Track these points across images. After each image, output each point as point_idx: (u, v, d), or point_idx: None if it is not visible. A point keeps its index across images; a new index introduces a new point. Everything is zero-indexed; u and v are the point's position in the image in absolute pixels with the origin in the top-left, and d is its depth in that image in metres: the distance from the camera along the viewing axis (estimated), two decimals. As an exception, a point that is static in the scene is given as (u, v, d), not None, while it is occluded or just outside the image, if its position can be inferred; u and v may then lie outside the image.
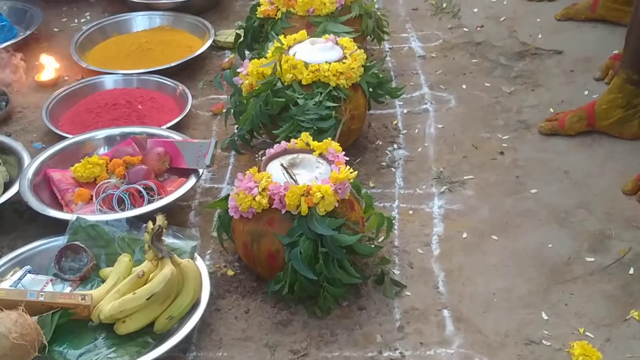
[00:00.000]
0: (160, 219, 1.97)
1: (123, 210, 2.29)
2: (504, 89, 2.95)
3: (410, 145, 2.70)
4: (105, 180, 2.40)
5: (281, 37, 2.64)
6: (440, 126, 2.79)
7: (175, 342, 1.90)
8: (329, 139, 2.23)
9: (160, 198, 2.33)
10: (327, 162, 2.14)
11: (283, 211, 2.02)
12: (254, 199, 2.02)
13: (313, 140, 2.22)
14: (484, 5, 3.49)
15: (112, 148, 2.57)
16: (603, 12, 3.20)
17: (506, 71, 3.06)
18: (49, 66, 3.16)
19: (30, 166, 2.44)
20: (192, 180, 2.40)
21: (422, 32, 3.39)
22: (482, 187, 2.49)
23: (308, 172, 2.10)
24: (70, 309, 1.89)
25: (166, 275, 1.93)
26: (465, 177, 2.53)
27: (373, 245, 2.14)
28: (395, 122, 2.83)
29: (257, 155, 2.15)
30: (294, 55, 2.52)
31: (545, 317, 2.02)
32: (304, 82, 2.49)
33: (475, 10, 3.46)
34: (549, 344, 1.95)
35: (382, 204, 2.43)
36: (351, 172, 2.08)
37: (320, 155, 2.17)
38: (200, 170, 2.43)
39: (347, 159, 2.16)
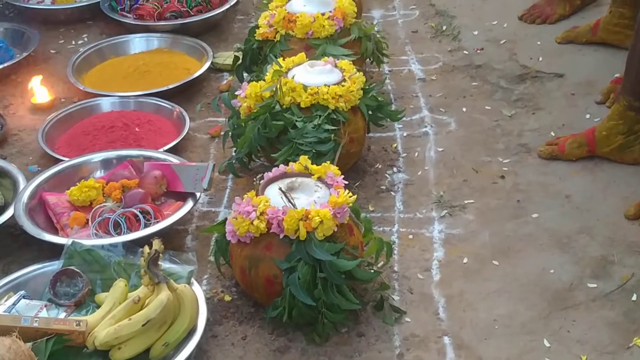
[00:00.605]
0: (156, 244, 1.97)
1: (119, 234, 2.30)
2: (504, 112, 2.97)
3: (410, 169, 2.71)
4: (102, 204, 2.40)
5: (280, 59, 2.66)
6: (440, 149, 2.80)
7: (171, 369, 1.90)
8: (328, 162, 2.24)
9: (157, 222, 2.33)
10: (326, 186, 2.15)
11: (281, 236, 2.02)
12: (252, 223, 2.03)
13: (312, 163, 2.22)
14: (484, 28, 3.51)
15: (109, 171, 2.57)
16: (604, 35, 3.22)
17: (507, 94, 3.07)
18: (45, 88, 3.17)
19: (26, 189, 2.45)
20: (190, 204, 2.40)
21: (422, 54, 3.41)
22: (483, 212, 2.49)
23: (307, 196, 2.11)
24: (65, 335, 1.89)
25: (162, 301, 1.93)
26: (465, 201, 2.53)
27: (372, 271, 2.14)
28: (395, 145, 2.84)
29: (255, 179, 2.16)
30: (293, 77, 2.53)
31: (547, 345, 2.02)
32: (302, 105, 2.50)
33: (476, 33, 3.48)
34: (551, 371, 1.95)
35: (381, 229, 2.44)
36: (350, 196, 2.08)
37: (319, 179, 2.17)
38: (198, 194, 2.44)
39: (346, 182, 2.16)
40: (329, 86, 2.51)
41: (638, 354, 1.98)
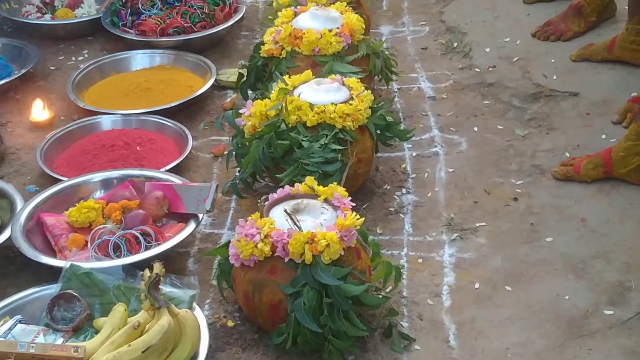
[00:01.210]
0: (157, 267, 1.97)
1: (119, 257, 2.30)
2: (517, 132, 2.97)
3: (419, 190, 2.71)
4: (101, 226, 2.40)
5: (285, 77, 2.67)
6: (450, 170, 2.80)
7: (172, 397, 1.89)
8: (335, 183, 2.24)
9: (158, 244, 2.33)
10: (333, 208, 2.15)
11: (286, 259, 2.02)
12: (256, 246, 2.03)
13: (318, 184, 2.23)
14: (496, 45, 3.52)
15: (109, 192, 2.58)
16: (620, 53, 3.22)
17: (520, 113, 3.07)
18: (44, 106, 3.18)
19: (23, 210, 2.46)
20: (192, 226, 2.41)
21: (432, 72, 3.42)
22: (495, 235, 2.49)
23: (312, 219, 2.11)
24: (62, 361, 1.88)
25: (163, 327, 1.93)
26: (477, 224, 2.53)
27: (380, 296, 2.14)
28: (404, 165, 2.84)
29: (259, 201, 2.16)
30: (299, 96, 2.54)
31: (562, 374, 2.01)
32: (309, 124, 2.50)
33: (487, 50, 3.49)
34: (566, 402, 1.94)
35: (389, 252, 2.44)
36: (358, 219, 2.08)
37: (326, 200, 2.17)
38: (200, 216, 2.44)
39: (354, 204, 2.17)
40: (336, 105, 2.51)
41: (657, 384, 1.97)
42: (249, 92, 3.06)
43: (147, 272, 1.96)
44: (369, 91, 2.63)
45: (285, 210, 2.10)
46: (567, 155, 2.80)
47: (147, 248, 2.32)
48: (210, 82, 3.26)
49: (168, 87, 3.29)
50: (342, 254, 2.03)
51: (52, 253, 2.37)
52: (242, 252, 2.04)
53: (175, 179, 2.58)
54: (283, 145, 2.47)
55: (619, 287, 2.26)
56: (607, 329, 2.13)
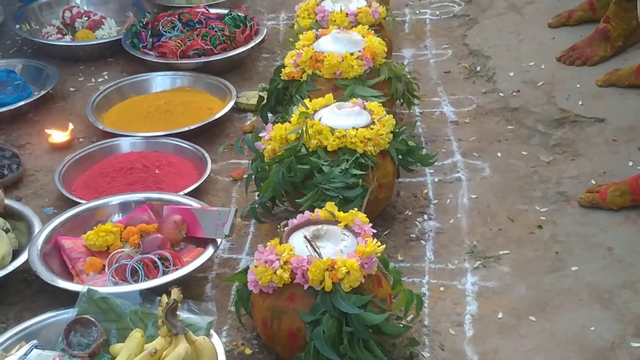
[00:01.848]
0: (175, 293, 1.97)
1: (136, 281, 2.31)
2: (542, 158, 2.96)
3: (441, 217, 2.71)
4: (119, 250, 2.41)
5: (306, 100, 2.68)
6: (473, 196, 2.79)
7: None
8: (356, 209, 2.24)
9: (176, 269, 2.34)
10: (353, 235, 2.15)
11: (305, 287, 2.02)
12: (275, 272, 2.03)
13: (338, 210, 2.23)
14: (521, 69, 3.51)
15: (127, 215, 2.59)
16: (648, 78, 3.22)
17: (544, 139, 3.06)
18: (63, 127, 3.21)
19: (41, 233, 2.47)
20: (210, 251, 2.41)
21: (454, 96, 3.42)
22: (519, 264, 2.47)
23: (333, 245, 2.11)
24: (78, 387, 1.89)
25: (180, 354, 1.93)
26: (500, 252, 2.52)
27: (401, 325, 2.13)
28: (426, 191, 2.83)
29: (279, 226, 2.16)
30: (320, 120, 2.55)
31: (588, 408, 1.99)
32: (329, 149, 2.51)
33: (511, 74, 3.49)
34: None
35: (410, 280, 2.43)
36: (379, 246, 2.08)
37: (346, 226, 2.17)
38: (219, 240, 2.45)
39: (375, 231, 2.16)
40: (357, 129, 2.52)
41: (686, 419, 1.95)
42: (269, 115, 3.07)
43: (164, 298, 1.96)
44: (391, 115, 2.64)
45: (305, 237, 2.10)
46: (593, 182, 2.79)
47: (164, 273, 2.33)
48: (230, 104, 3.28)
49: (188, 110, 3.31)
50: (363, 281, 2.02)
51: (69, 277, 2.38)
52: (261, 279, 2.04)
53: (194, 203, 2.59)
54: (303, 169, 2.48)
55: (647, 318, 2.24)
56: (634, 361, 2.11)
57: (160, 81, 3.52)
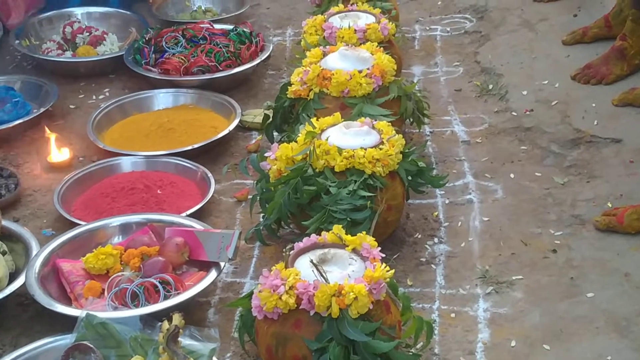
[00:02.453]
0: (176, 318, 1.97)
1: (137, 306, 2.30)
2: (556, 179, 2.95)
3: (452, 240, 2.70)
4: (119, 273, 2.41)
5: (313, 119, 2.68)
6: (485, 219, 2.78)
7: None
8: (364, 232, 2.24)
9: (178, 293, 2.33)
10: (361, 259, 2.14)
11: (312, 312, 2.01)
12: (280, 298, 2.02)
13: (346, 233, 2.22)
14: (534, 87, 3.51)
15: (128, 237, 2.59)
16: (666, 98, 3.21)
17: (559, 160, 3.06)
18: (63, 146, 3.22)
19: (39, 256, 2.47)
20: (213, 274, 2.41)
21: (466, 115, 3.42)
22: (533, 289, 2.46)
23: (340, 270, 2.10)
24: (75, 417, 1.88)
25: (181, 382, 1.92)
26: (513, 277, 2.51)
27: (411, 353, 2.12)
28: (436, 213, 2.83)
29: (284, 250, 2.16)
30: (327, 139, 2.55)
31: None
32: (337, 169, 2.51)
33: (525, 92, 3.49)
34: None
35: (420, 305, 2.42)
36: (387, 271, 2.07)
37: (354, 250, 2.17)
38: (222, 264, 2.44)
39: (383, 255, 2.16)
40: (365, 149, 2.52)
41: None
42: (275, 134, 3.08)
43: (165, 324, 1.95)
44: (400, 135, 2.64)
45: (311, 261, 2.09)
46: (609, 205, 2.78)
47: (166, 297, 2.32)
48: (235, 123, 3.29)
49: (191, 128, 3.32)
50: (371, 307, 2.01)
51: (68, 301, 2.38)
52: (266, 304, 2.03)
53: (197, 225, 2.59)
54: (310, 191, 2.47)
55: (666, 347, 2.23)
56: (653, 392, 2.09)
57: (163, 98, 3.53)
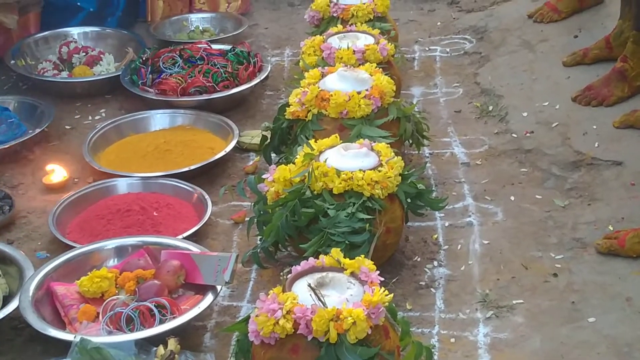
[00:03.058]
0: (172, 343, 1.97)
1: (132, 330, 2.29)
2: (557, 202, 2.96)
3: (452, 263, 2.70)
4: (114, 297, 2.41)
5: (311, 141, 2.69)
6: (485, 242, 2.79)
7: None
8: (362, 255, 2.23)
9: (173, 317, 2.32)
10: (360, 283, 2.14)
11: (309, 337, 2.00)
12: (277, 322, 2.01)
13: (344, 256, 2.22)
14: (534, 109, 3.52)
15: (123, 260, 2.59)
16: (668, 120, 3.22)
17: (559, 182, 3.06)
18: (58, 167, 3.23)
19: (33, 279, 2.47)
20: (209, 298, 2.40)
21: (465, 136, 3.43)
22: (534, 314, 2.46)
23: (338, 294, 2.09)
24: None
25: (177, 408, 1.91)
26: (514, 302, 2.51)
27: (410, 379, 2.11)
28: (436, 236, 2.83)
29: (282, 273, 2.16)
30: (325, 161, 2.55)
31: None
32: (335, 192, 2.51)
33: (525, 114, 3.50)
34: None
35: (420, 330, 2.41)
36: (386, 295, 2.07)
37: (352, 274, 2.16)
38: (219, 287, 2.44)
39: (382, 278, 2.15)
40: (364, 171, 2.52)
41: None
42: (273, 155, 3.08)
43: (161, 349, 1.96)
44: (399, 157, 2.64)
45: (309, 285, 2.09)
46: (611, 228, 2.78)
47: (161, 321, 2.31)
48: (232, 144, 3.30)
49: (188, 149, 3.33)
50: (370, 332, 2.00)
51: (62, 325, 2.37)
52: (263, 329, 2.03)
53: (193, 247, 2.59)
54: (308, 213, 2.48)
55: (668, 373, 2.22)
56: (656, 419, 2.09)
57: (159, 119, 3.54)
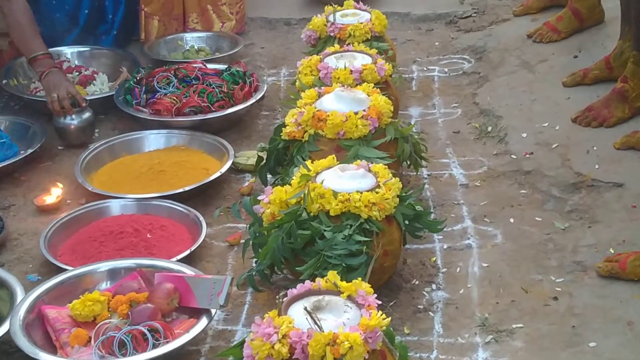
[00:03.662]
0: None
1: (124, 355, 2.29)
2: (557, 224, 2.96)
3: (450, 286, 2.70)
4: (106, 320, 2.40)
5: (308, 162, 2.69)
6: (485, 265, 2.79)
7: None
8: (359, 278, 2.23)
9: (167, 342, 2.32)
10: (357, 306, 2.14)
11: (305, 362, 2.00)
12: (273, 347, 2.01)
13: (341, 279, 2.22)
14: (534, 130, 3.53)
15: (116, 283, 2.59)
16: (669, 142, 3.23)
17: (559, 204, 3.07)
18: (50, 189, 3.23)
19: (23, 302, 2.46)
20: (204, 322, 2.40)
21: (464, 157, 3.44)
22: (534, 338, 2.45)
23: (335, 317, 2.09)
24: None
25: None
26: (513, 326, 2.50)
27: (408, 404, 2.11)
28: (434, 259, 2.83)
29: (277, 296, 2.16)
30: (322, 182, 2.56)
31: None
32: (332, 213, 2.51)
33: (524, 135, 3.51)
34: None
35: (418, 355, 2.41)
36: (384, 319, 2.07)
37: (349, 297, 2.16)
38: (213, 311, 2.44)
39: (379, 302, 2.15)
40: (361, 193, 2.53)
41: None
42: (269, 176, 3.09)
43: (154, 374, 1.95)
44: (397, 178, 2.65)
45: (305, 308, 2.09)
46: (612, 251, 2.78)
47: (154, 346, 2.31)
48: (227, 165, 3.30)
49: (182, 170, 3.33)
50: (367, 357, 2.00)
51: (53, 349, 2.37)
52: (258, 354, 2.02)
53: (187, 270, 2.59)
54: (304, 235, 2.48)
55: (671, 399, 2.22)
56: None
57: (153, 140, 3.55)
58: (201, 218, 2.97)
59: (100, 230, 2.92)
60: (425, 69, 4.22)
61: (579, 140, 3.41)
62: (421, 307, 2.61)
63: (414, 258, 2.83)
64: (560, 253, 2.82)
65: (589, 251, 2.81)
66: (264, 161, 3.09)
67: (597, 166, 3.23)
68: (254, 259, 2.66)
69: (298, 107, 3.03)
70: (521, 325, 2.51)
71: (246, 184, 3.31)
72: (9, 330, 2.37)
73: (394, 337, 2.19)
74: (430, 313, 2.59)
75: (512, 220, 3.01)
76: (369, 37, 3.68)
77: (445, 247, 2.89)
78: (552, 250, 2.84)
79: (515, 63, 4.06)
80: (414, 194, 2.75)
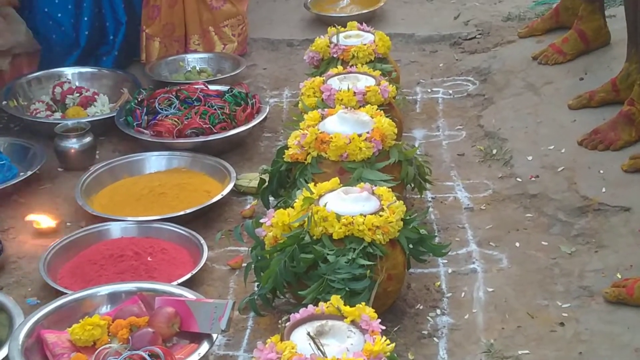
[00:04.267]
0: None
1: (124, 380, 2.29)
2: (563, 249, 2.96)
3: (455, 312, 2.70)
4: (106, 345, 2.40)
5: (311, 184, 2.70)
6: (490, 290, 2.79)
7: None
8: (363, 303, 2.24)
9: (167, 367, 2.32)
10: (360, 331, 2.15)
11: (308, 388, 2.01)
12: (275, 372, 2.02)
13: (344, 304, 2.23)
14: (539, 153, 3.54)
15: (116, 307, 2.59)
16: (677, 165, 3.23)
17: (566, 228, 3.07)
18: (49, 211, 3.23)
19: (22, 326, 2.46)
20: (205, 347, 2.40)
21: (469, 180, 3.45)
22: (540, 365, 2.46)
23: (338, 343, 2.10)
24: None
25: None
26: (519, 352, 2.50)
27: None
28: (438, 283, 2.83)
29: (280, 321, 2.16)
30: (325, 205, 2.57)
31: None
32: (335, 237, 2.52)
33: (530, 158, 3.51)
34: None
35: (422, 381, 2.42)
36: (388, 344, 2.07)
37: (353, 322, 2.17)
38: (215, 336, 2.44)
39: (383, 327, 2.16)
40: (365, 216, 2.54)
41: None
42: (271, 199, 3.09)
43: (155, 400, 1.95)
44: (401, 201, 2.66)
45: (308, 333, 2.10)
46: (619, 276, 2.78)
47: (155, 371, 2.31)
48: (229, 187, 3.31)
49: (183, 192, 3.34)
50: (370, 383, 2.01)
51: (52, 375, 2.37)
52: (260, 379, 2.03)
53: (189, 294, 2.59)
54: (307, 259, 2.49)
55: None
56: None
57: (155, 161, 3.56)
58: (202, 241, 2.97)
59: (101, 253, 2.93)
60: (429, 90, 4.23)
61: (585, 164, 3.41)
62: (425, 332, 2.61)
63: (418, 282, 2.83)
64: (566, 278, 2.82)
65: (595, 276, 2.81)
66: (266, 184, 3.09)
67: (603, 190, 3.22)
68: (256, 283, 2.67)
69: (301, 129, 3.04)
70: (527, 351, 2.51)
71: (248, 206, 3.32)
72: (7, 354, 2.37)
73: (398, 363, 2.20)
74: (434, 339, 2.59)
75: (517, 244, 3.01)
76: (373, 59, 3.70)
77: (449, 271, 2.90)
78: (558, 275, 2.84)
79: (521, 85, 4.07)
80: (418, 217, 2.76)
